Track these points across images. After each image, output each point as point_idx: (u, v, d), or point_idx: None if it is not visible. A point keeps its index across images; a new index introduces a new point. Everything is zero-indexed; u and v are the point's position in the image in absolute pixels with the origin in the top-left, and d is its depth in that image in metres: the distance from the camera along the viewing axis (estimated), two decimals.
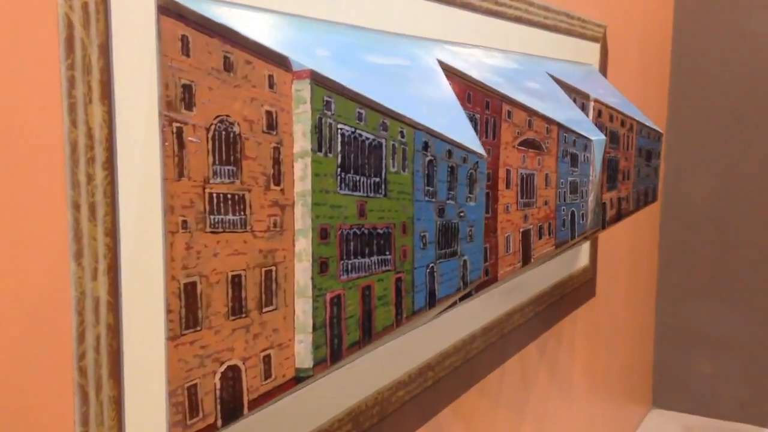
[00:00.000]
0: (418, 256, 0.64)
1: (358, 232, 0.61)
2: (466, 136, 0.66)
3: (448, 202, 0.64)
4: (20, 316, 0.46)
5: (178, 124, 0.55)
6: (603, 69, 1.56)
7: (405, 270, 0.63)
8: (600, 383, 1.82)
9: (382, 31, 0.78)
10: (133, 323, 0.54)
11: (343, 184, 0.60)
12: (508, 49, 1.10)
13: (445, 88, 0.74)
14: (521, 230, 0.91)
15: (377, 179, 0.61)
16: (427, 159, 0.63)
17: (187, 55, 0.55)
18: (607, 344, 1.87)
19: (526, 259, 0.91)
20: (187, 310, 0.56)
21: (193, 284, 0.57)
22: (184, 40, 0.55)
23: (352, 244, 0.61)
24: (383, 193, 0.62)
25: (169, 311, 0.56)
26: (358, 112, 0.60)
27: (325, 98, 0.59)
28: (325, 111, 0.59)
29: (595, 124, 1.18)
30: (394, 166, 0.62)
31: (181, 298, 0.56)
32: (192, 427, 0.58)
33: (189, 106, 0.55)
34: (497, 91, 0.86)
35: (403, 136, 0.62)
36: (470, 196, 0.65)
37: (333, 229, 0.60)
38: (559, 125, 0.91)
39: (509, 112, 0.88)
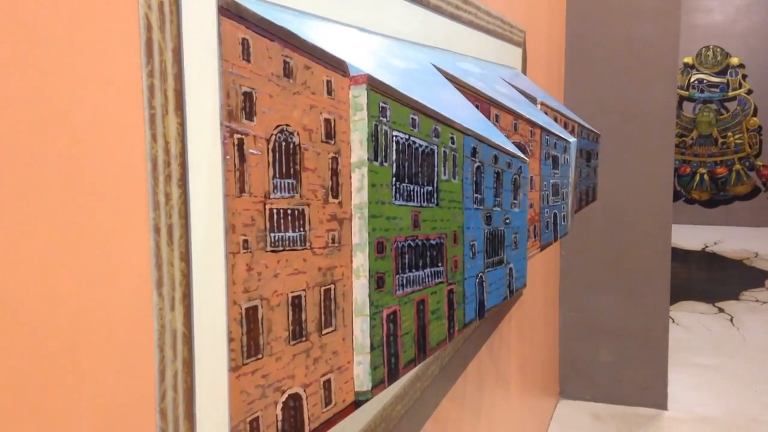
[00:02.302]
0: (468, 266, 0.62)
1: (412, 244, 0.58)
2: (503, 141, 0.65)
3: (494, 209, 0.63)
4: (109, 359, 0.41)
5: (239, 136, 0.50)
6: (524, 73, 1.60)
7: (456, 281, 0.61)
8: (526, 378, 1.86)
9: (385, 35, 0.76)
10: (202, 356, 0.49)
11: (398, 195, 0.57)
12: (464, 52, 1.09)
13: (458, 93, 0.73)
14: None
15: (430, 188, 0.59)
16: (476, 165, 0.61)
17: (248, 60, 0.50)
18: (530, 340, 1.92)
19: None
20: (248, 337, 0.52)
21: (255, 308, 0.52)
22: (244, 43, 0.50)
23: (406, 257, 0.58)
24: (436, 202, 0.59)
25: (231, 340, 0.51)
26: (412, 118, 0.58)
27: (381, 104, 0.56)
28: (381, 118, 0.56)
29: None
30: (445, 174, 0.60)
31: (242, 325, 0.52)
32: None
33: (250, 115, 0.50)
34: (486, 95, 0.86)
35: (453, 142, 0.60)
36: (515, 202, 0.64)
37: (389, 242, 0.57)
38: (542, 128, 0.91)
39: (497, 116, 0.87)
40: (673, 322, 3.59)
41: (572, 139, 0.95)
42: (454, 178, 0.60)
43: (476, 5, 1.15)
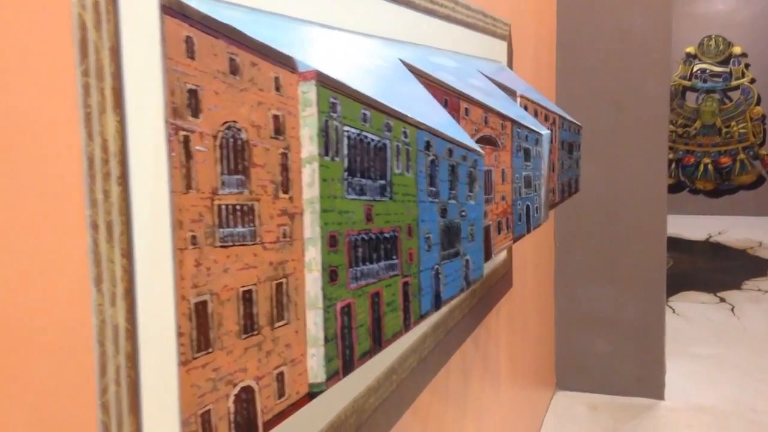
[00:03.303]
0: (424, 258, 0.62)
1: (365, 237, 0.59)
2: (460, 134, 0.66)
3: (449, 201, 0.63)
4: (45, 354, 0.42)
5: (185, 133, 0.51)
6: (509, 67, 1.60)
7: (412, 273, 0.62)
8: (518, 370, 1.87)
9: (351, 31, 0.76)
10: (148, 351, 0.50)
11: (350, 189, 0.58)
12: (440, 47, 1.10)
13: (421, 87, 0.73)
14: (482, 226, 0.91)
15: (383, 182, 0.59)
16: (430, 159, 0.61)
17: (192, 58, 0.51)
18: (522, 332, 1.92)
19: (487, 255, 0.91)
20: (198, 331, 0.53)
21: (204, 303, 0.53)
22: (188, 41, 0.51)
23: (360, 250, 0.59)
24: (389, 195, 0.60)
25: (180, 334, 0.52)
26: (363, 113, 0.58)
27: (331, 100, 0.56)
28: (331, 113, 0.56)
29: None
30: (398, 168, 0.60)
31: (191, 319, 0.52)
32: None
33: (195, 112, 0.51)
34: (455, 89, 0.86)
35: (406, 137, 0.60)
36: (470, 194, 0.65)
37: (341, 236, 0.58)
38: (513, 121, 0.91)
39: (467, 110, 0.87)
40: (674, 312, 3.59)
41: (544, 132, 0.95)
42: (408, 172, 0.61)
43: (454, 0, 1.15)
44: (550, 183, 1.29)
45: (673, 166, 6.85)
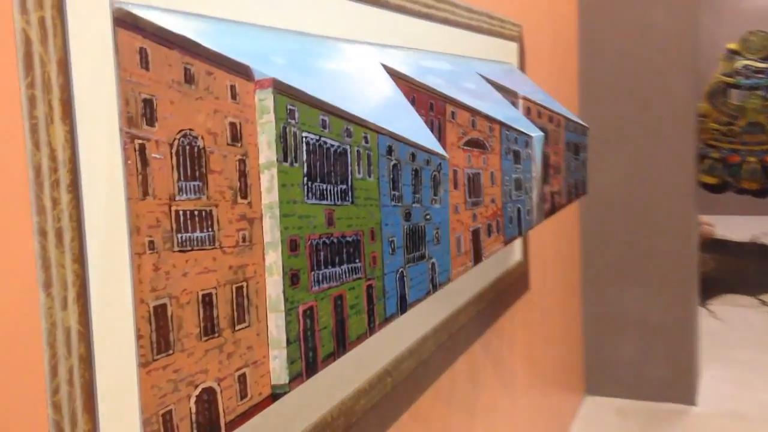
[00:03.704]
0: (388, 261, 0.63)
1: (327, 241, 0.60)
2: (427, 139, 0.66)
3: (414, 205, 0.64)
4: None
5: (140, 141, 0.52)
6: (521, 67, 1.60)
7: (375, 276, 0.63)
8: (538, 375, 1.86)
9: (327, 37, 0.77)
10: (104, 352, 0.52)
11: (310, 194, 0.59)
12: (437, 50, 1.10)
13: (396, 91, 0.74)
14: (471, 229, 0.91)
15: (344, 186, 0.60)
16: (392, 163, 0.62)
17: (147, 69, 0.52)
18: (543, 336, 1.91)
19: (477, 258, 0.91)
20: (158, 334, 0.54)
21: (163, 306, 0.54)
22: (142, 52, 0.52)
23: (322, 254, 0.60)
24: (350, 200, 0.61)
25: (139, 336, 0.54)
26: (322, 119, 0.59)
27: (289, 107, 0.58)
28: (289, 120, 0.57)
29: None
30: (360, 173, 0.61)
31: (151, 322, 0.54)
32: None
33: (151, 121, 0.53)
34: (441, 93, 0.87)
35: (367, 142, 0.61)
36: (435, 198, 0.65)
37: (302, 240, 0.59)
38: (501, 123, 0.92)
39: (453, 113, 0.88)
40: (712, 315, 3.52)
41: (535, 134, 0.95)
42: (370, 177, 0.62)
43: (453, 3, 1.15)
44: (555, 185, 1.29)
45: (720, 165, 6.71)
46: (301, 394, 0.77)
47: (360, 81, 0.71)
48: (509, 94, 1.20)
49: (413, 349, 1.03)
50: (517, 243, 1.58)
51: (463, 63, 1.13)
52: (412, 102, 0.84)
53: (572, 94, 2.28)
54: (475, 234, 0.92)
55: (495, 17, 1.38)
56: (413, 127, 0.67)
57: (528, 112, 1.23)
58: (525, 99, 1.22)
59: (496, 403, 1.46)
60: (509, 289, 1.51)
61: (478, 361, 1.35)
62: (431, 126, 0.87)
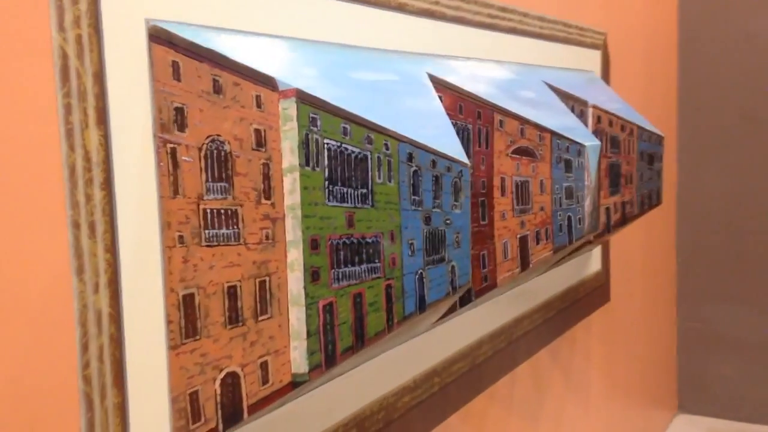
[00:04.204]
0: (407, 263, 0.66)
1: (347, 241, 0.64)
2: (451, 147, 0.69)
3: (434, 210, 0.67)
4: (26, 330, 0.50)
5: (172, 145, 0.58)
6: (605, 75, 1.58)
7: (394, 277, 0.66)
8: (620, 389, 1.83)
9: (374, 49, 0.81)
10: (134, 334, 0.57)
11: (331, 196, 0.63)
12: (503, 59, 1.12)
13: (433, 100, 0.77)
14: (518, 236, 0.93)
15: (364, 190, 0.64)
16: (412, 169, 0.66)
17: (178, 80, 0.58)
18: (627, 349, 1.88)
19: (524, 265, 0.93)
20: (186, 320, 0.60)
21: (191, 296, 0.60)
22: (174, 65, 0.58)
23: (342, 253, 0.64)
24: (370, 203, 0.65)
25: (169, 322, 0.59)
26: (343, 127, 0.63)
27: (311, 115, 0.62)
28: (312, 127, 0.62)
29: (595, 130, 1.20)
30: (380, 178, 0.65)
31: (180, 309, 0.59)
32: (195, 431, 0.61)
33: (182, 127, 0.58)
34: (488, 102, 0.89)
35: (387, 149, 0.65)
36: (456, 203, 0.68)
37: (323, 239, 0.63)
38: (552, 132, 0.93)
39: (501, 122, 0.90)
40: None
41: (589, 143, 0.96)
42: (390, 182, 0.65)
43: (522, 13, 1.17)
44: (627, 194, 1.28)
45: None
46: (338, 387, 0.81)
47: (395, 90, 0.75)
48: (578, 103, 1.20)
49: (466, 352, 1.06)
50: (596, 253, 1.57)
51: (529, 71, 1.15)
52: (459, 110, 0.87)
53: (670, 104, 2.23)
54: (523, 241, 0.94)
55: (572, 25, 1.39)
56: (441, 135, 0.70)
57: (598, 121, 1.23)
58: (595, 107, 1.22)
59: (564, 411, 1.45)
60: (584, 299, 1.50)
61: (544, 369, 1.35)
62: (479, 134, 0.89)
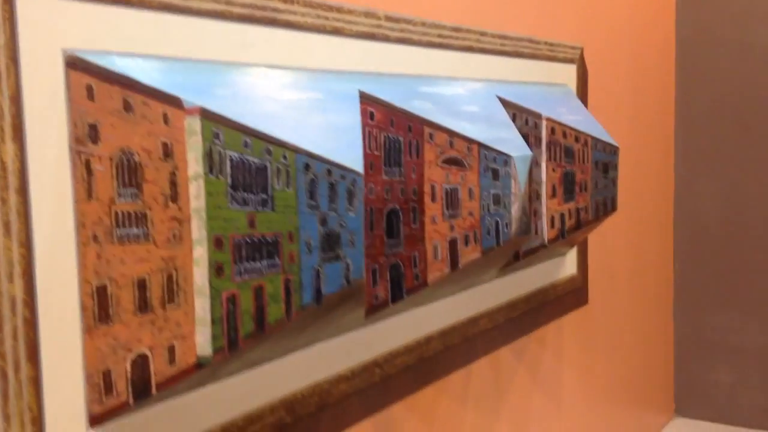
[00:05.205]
0: (305, 260, 0.75)
1: (249, 240, 0.73)
2: (350, 158, 0.77)
3: (329, 213, 0.75)
4: None
5: (86, 156, 0.67)
6: (582, 88, 1.64)
7: (293, 272, 0.74)
8: (602, 389, 1.87)
9: (306, 70, 0.90)
10: (49, 318, 0.67)
11: (233, 201, 0.72)
12: (459, 76, 1.20)
13: (350, 115, 0.85)
14: (448, 239, 1.00)
15: (264, 196, 0.73)
16: (309, 177, 0.74)
17: (92, 100, 0.68)
18: (612, 352, 1.92)
19: (454, 265, 1.00)
20: (99, 308, 0.69)
21: (104, 287, 0.69)
22: (89, 88, 0.67)
23: (244, 250, 0.73)
24: (271, 207, 0.73)
25: (84, 309, 0.69)
26: (244, 140, 0.72)
27: (214, 130, 0.71)
28: (215, 140, 0.71)
29: (549, 141, 1.27)
30: (278, 184, 0.73)
31: (94, 298, 0.69)
32: (107, 404, 0.70)
33: (95, 140, 0.68)
34: (418, 116, 0.97)
35: (285, 159, 0.73)
36: (350, 208, 0.76)
37: (226, 238, 0.72)
38: (480, 144, 1.00)
39: (431, 134, 0.98)
40: None
41: (517, 154, 1.02)
42: (288, 188, 0.74)
43: (479, 32, 1.24)
44: (581, 201, 1.34)
45: None
46: (267, 372, 0.89)
47: (315, 107, 0.83)
48: (532, 116, 1.27)
49: (412, 347, 1.13)
50: (570, 257, 1.63)
51: (486, 87, 1.22)
52: (391, 124, 0.95)
53: (667, 110, 2.27)
54: (452, 243, 1.01)
55: (540, 41, 1.45)
56: (343, 147, 0.78)
57: (552, 132, 1.29)
58: (549, 120, 1.29)
59: (530, 407, 1.51)
60: (555, 301, 1.56)
61: (507, 366, 1.42)
62: (409, 145, 0.97)
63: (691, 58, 2.25)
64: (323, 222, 0.75)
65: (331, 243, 0.75)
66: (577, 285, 1.68)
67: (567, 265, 1.62)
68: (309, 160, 0.74)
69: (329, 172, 0.75)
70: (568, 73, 1.59)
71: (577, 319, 1.70)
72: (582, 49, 1.63)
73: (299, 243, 0.74)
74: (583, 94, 1.64)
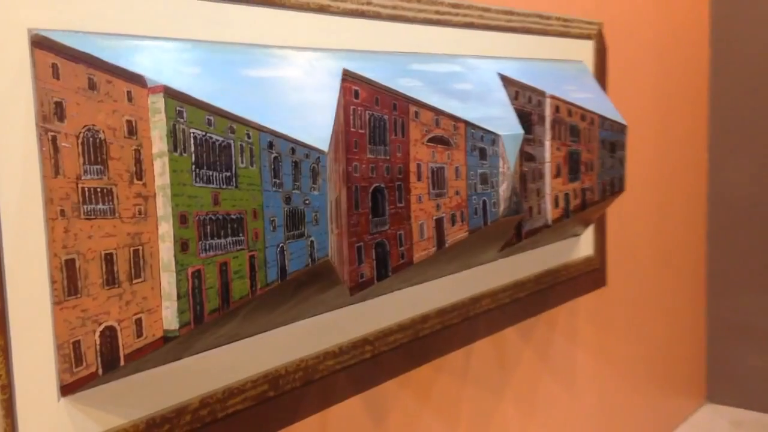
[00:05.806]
0: (269, 237, 0.76)
1: (213, 217, 0.74)
2: (316, 136, 0.78)
3: (294, 191, 0.76)
4: None
5: (52, 133, 0.70)
6: (601, 65, 1.61)
7: (257, 249, 0.76)
8: (613, 375, 1.85)
9: (287, 47, 0.90)
10: (18, 290, 0.69)
11: (198, 178, 0.73)
12: (459, 53, 1.19)
13: (325, 93, 0.86)
14: (434, 218, 1.00)
15: (228, 173, 0.74)
16: (273, 156, 0.75)
17: (58, 78, 0.70)
18: (626, 335, 1.90)
19: (440, 244, 1.00)
20: (68, 281, 0.71)
21: (72, 260, 0.71)
22: (54, 67, 0.69)
23: (209, 227, 0.74)
24: (234, 185, 0.74)
25: (53, 282, 0.71)
26: (208, 119, 0.73)
27: (178, 108, 0.72)
28: (178, 119, 0.72)
29: (553, 119, 1.26)
30: (242, 162, 0.74)
31: (62, 272, 0.71)
32: (77, 374, 0.73)
33: (61, 118, 0.70)
34: (404, 95, 0.97)
35: (249, 137, 0.74)
36: (314, 186, 0.77)
37: (191, 215, 0.73)
38: (466, 122, 1.00)
39: (416, 113, 0.98)
40: None
41: (506, 133, 1.01)
42: (252, 166, 0.75)
43: (481, 7, 1.23)
44: (587, 181, 1.32)
45: None
46: (251, 346, 0.91)
47: (291, 85, 0.84)
48: (535, 93, 1.26)
49: (406, 325, 1.14)
50: (587, 238, 1.61)
51: (482, 64, 1.21)
52: (375, 102, 0.96)
53: (700, 91, 2.21)
54: (439, 222, 1.01)
55: (551, 17, 1.43)
56: (310, 126, 0.79)
57: (556, 110, 1.28)
58: (553, 98, 1.27)
59: (536, 389, 1.51)
60: (568, 282, 1.55)
61: (512, 347, 1.41)
62: (394, 124, 0.97)
63: (725, 32, 2.18)
64: (287, 200, 0.76)
65: (295, 221, 0.76)
66: (593, 266, 1.66)
67: (582, 245, 1.61)
68: (273, 138, 0.75)
69: (293, 150, 0.76)
70: (584, 50, 1.56)
71: (593, 301, 1.68)
72: (600, 24, 1.60)
73: (264, 220, 0.76)
74: (601, 71, 1.61)
